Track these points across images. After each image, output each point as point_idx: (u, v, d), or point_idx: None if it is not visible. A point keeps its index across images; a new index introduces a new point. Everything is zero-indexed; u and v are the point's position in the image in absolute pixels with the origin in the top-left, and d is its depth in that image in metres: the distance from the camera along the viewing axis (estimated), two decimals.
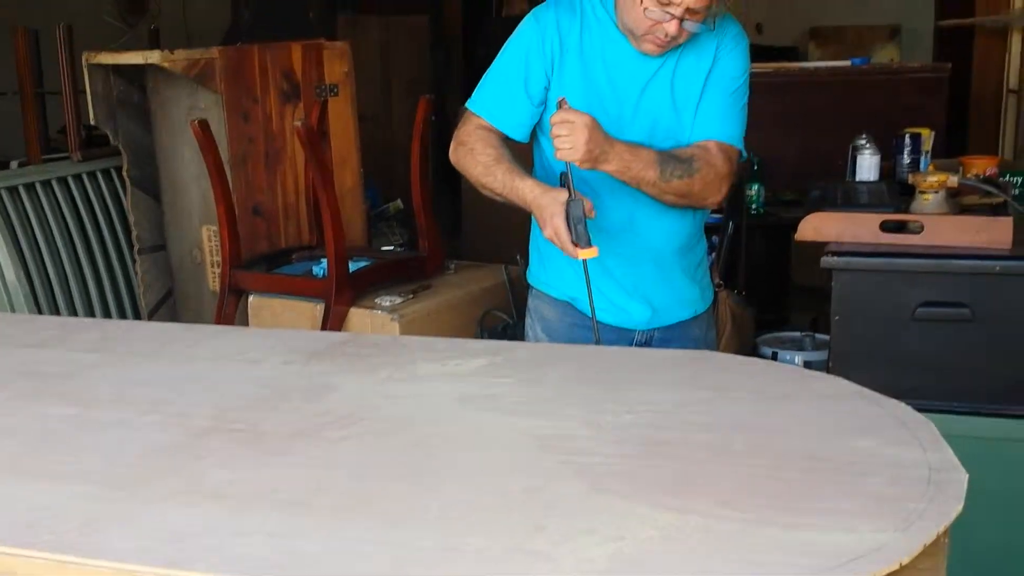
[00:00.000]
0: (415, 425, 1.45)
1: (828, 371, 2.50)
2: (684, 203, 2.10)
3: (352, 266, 2.93)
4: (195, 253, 3.60)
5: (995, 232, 2.28)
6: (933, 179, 2.43)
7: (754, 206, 4.13)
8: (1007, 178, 2.77)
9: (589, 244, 1.88)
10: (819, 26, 11.67)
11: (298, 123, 2.78)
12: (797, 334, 3.96)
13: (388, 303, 2.85)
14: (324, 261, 2.91)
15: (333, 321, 2.76)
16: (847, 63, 4.60)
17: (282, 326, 2.92)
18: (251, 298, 3.02)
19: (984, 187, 2.49)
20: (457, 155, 2.13)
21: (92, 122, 3.57)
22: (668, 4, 1.94)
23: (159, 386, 1.63)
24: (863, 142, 2.89)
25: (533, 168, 2.20)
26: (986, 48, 4.99)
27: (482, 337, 2.95)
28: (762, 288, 4.48)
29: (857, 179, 2.83)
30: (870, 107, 4.15)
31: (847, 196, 2.63)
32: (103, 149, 3.94)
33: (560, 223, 1.91)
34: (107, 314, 3.87)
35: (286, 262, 3.20)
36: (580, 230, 1.89)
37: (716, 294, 2.41)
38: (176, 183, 3.60)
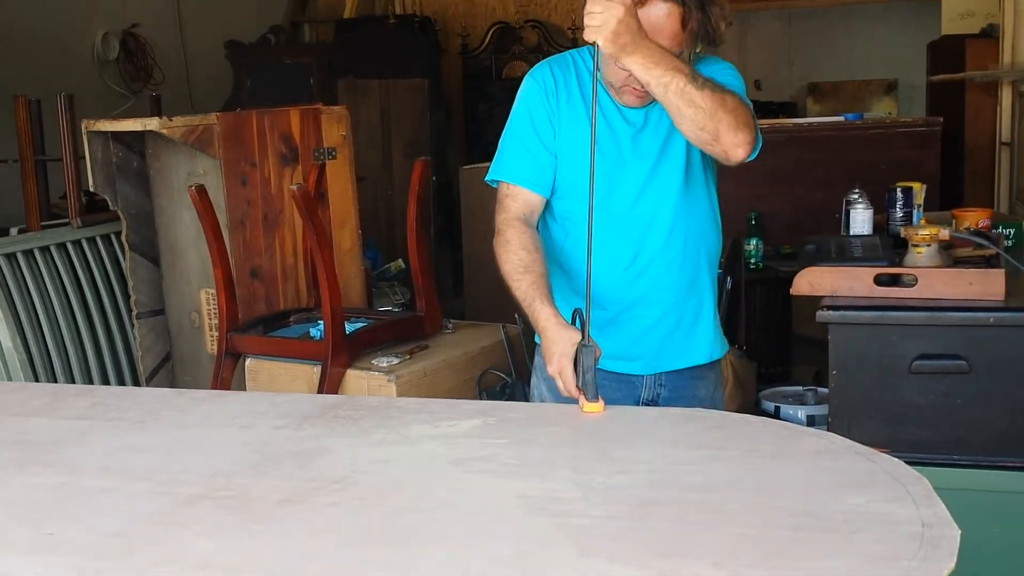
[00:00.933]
0: (406, 488, 1.44)
1: (828, 425, 2.49)
2: (711, 130, 1.91)
3: (349, 327, 2.93)
4: (193, 317, 3.60)
5: (988, 284, 2.28)
6: (925, 232, 2.44)
7: (753, 260, 4.14)
8: (999, 230, 2.77)
9: (596, 397, 1.75)
10: (817, 82, 11.80)
11: (294, 187, 2.80)
12: (799, 388, 3.94)
13: (385, 364, 2.85)
14: (321, 323, 2.92)
15: (329, 383, 2.75)
16: (841, 119, 4.65)
17: (279, 389, 2.92)
18: (248, 361, 3.02)
19: (976, 239, 2.50)
20: (495, 244, 2.08)
21: (92, 188, 3.60)
22: None
23: (149, 453, 1.62)
24: (856, 196, 2.91)
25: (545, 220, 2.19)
26: (977, 102, 5.05)
27: (480, 397, 2.94)
28: (763, 342, 4.48)
29: (851, 233, 2.84)
30: (865, 161, 4.18)
31: (841, 250, 2.63)
32: (103, 215, 3.97)
33: (567, 364, 1.82)
34: (105, 379, 3.87)
35: (284, 324, 3.20)
36: (588, 379, 1.77)
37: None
38: (175, 247, 3.62)
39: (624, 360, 2.16)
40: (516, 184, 2.10)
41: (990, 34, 5.85)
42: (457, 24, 8.07)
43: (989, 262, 2.48)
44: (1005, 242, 2.66)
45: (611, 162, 2.08)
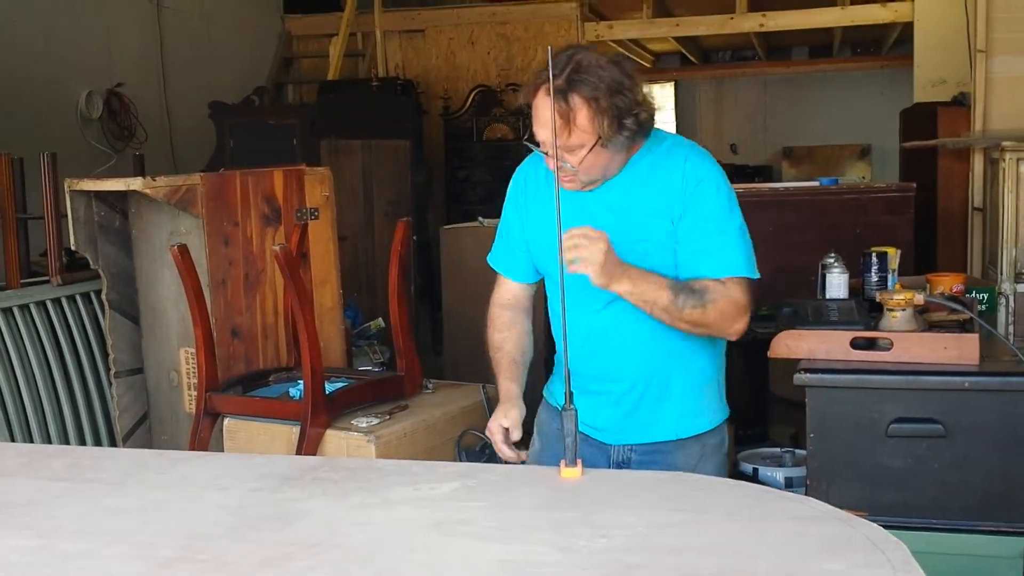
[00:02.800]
0: (385, 552, 1.43)
1: (807, 488, 2.50)
2: (702, 332, 2.13)
3: (329, 387, 2.93)
4: (172, 376, 3.59)
5: (963, 348, 2.31)
6: (900, 297, 2.47)
7: None
8: (973, 295, 2.81)
9: (575, 461, 1.73)
10: (792, 146, 11.99)
11: (276, 247, 2.81)
12: (777, 450, 3.95)
13: (365, 424, 2.84)
14: (301, 383, 2.91)
15: (308, 444, 2.74)
16: (816, 183, 4.71)
17: (257, 449, 2.90)
18: (227, 421, 3.01)
19: (950, 304, 2.53)
20: (487, 318, 2.40)
21: (73, 247, 3.60)
22: (540, 145, 2.08)
23: (126, 515, 1.61)
24: (832, 260, 2.94)
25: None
26: (949, 168, 5.13)
27: (460, 457, 2.93)
28: (741, 403, 4.47)
29: (827, 296, 2.88)
30: (840, 225, 4.24)
31: (818, 313, 2.67)
32: (83, 273, 3.96)
33: (497, 429, 2.27)
34: (81, 438, 3.83)
35: (263, 384, 3.19)
36: (569, 443, 1.75)
37: (726, 420, 2.37)
38: (155, 306, 3.62)
39: (592, 428, 2.24)
40: (502, 272, 2.39)
41: (961, 102, 5.97)
42: (439, 87, 8.17)
43: (963, 327, 2.52)
44: (979, 307, 2.70)
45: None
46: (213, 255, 3.27)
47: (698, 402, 2.25)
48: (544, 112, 2.00)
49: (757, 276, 2.16)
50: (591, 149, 2.04)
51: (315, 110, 6.36)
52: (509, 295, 2.37)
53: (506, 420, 2.24)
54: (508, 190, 2.35)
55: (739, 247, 2.13)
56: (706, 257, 2.10)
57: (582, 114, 1.99)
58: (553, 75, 1.95)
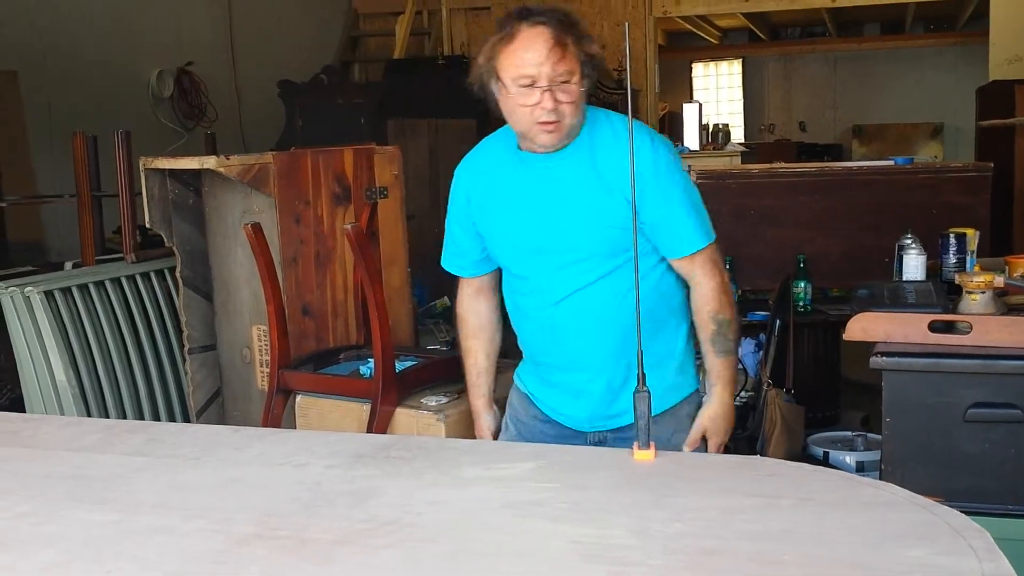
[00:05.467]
0: (459, 532, 1.44)
1: (881, 472, 2.46)
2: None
3: (399, 365, 2.95)
4: (245, 352, 3.64)
5: None
6: (979, 280, 2.42)
7: (801, 303, 4.11)
8: None
9: (648, 444, 1.72)
10: (862, 124, 11.76)
11: (348, 227, 2.83)
12: (848, 434, 3.91)
13: (434, 403, 2.86)
14: (371, 361, 2.94)
15: (379, 422, 2.77)
16: (890, 163, 4.62)
17: (329, 426, 2.93)
18: (299, 398, 3.05)
19: None
20: (456, 320, 2.44)
21: (147, 224, 3.66)
22: (532, 83, 2.02)
23: (204, 491, 1.63)
24: (909, 241, 2.89)
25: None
26: None
27: None
28: (812, 386, 4.43)
29: (904, 278, 2.82)
30: (914, 205, 4.15)
31: (894, 296, 2.62)
32: (157, 250, 4.03)
33: (488, 436, 2.40)
34: (155, 413, 3.91)
35: (334, 362, 3.22)
36: (641, 426, 1.75)
37: (696, 390, 2.38)
38: (228, 283, 3.67)
39: (563, 415, 2.30)
40: (457, 274, 2.39)
41: None
42: None
43: None
44: None
45: (530, 223, 2.18)
46: (285, 233, 3.30)
47: (663, 379, 2.22)
48: (536, 43, 2.00)
49: (714, 237, 2.25)
50: (579, 81, 2.04)
51: (382, 89, 6.38)
52: (472, 290, 2.38)
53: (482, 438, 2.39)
54: (451, 191, 2.33)
55: (701, 213, 2.22)
56: (678, 235, 2.18)
57: (571, 39, 2.02)
58: (512, 12, 2.05)
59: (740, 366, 3.88)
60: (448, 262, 2.39)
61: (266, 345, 3.39)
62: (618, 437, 2.23)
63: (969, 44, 9.74)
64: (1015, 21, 6.69)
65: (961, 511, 1.40)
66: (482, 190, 2.24)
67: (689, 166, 4.69)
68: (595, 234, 2.12)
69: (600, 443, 2.23)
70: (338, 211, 3.42)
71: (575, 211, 2.12)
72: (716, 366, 2.21)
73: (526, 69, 2.01)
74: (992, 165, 4.43)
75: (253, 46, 7.04)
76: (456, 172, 2.33)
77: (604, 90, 7.70)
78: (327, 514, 1.52)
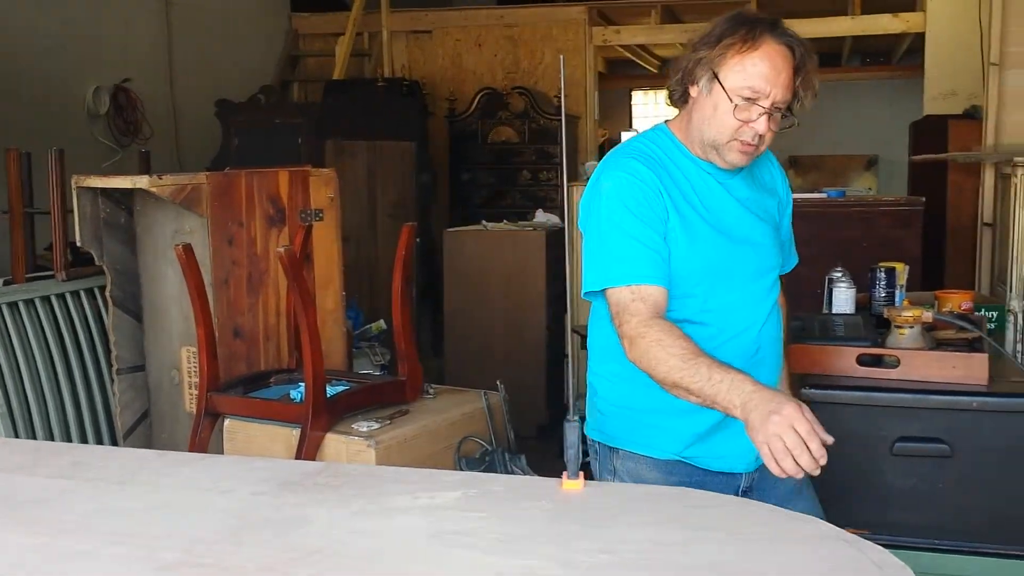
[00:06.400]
0: (386, 562, 1.42)
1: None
2: None
3: (330, 390, 2.92)
4: (173, 374, 3.58)
5: (971, 368, 2.29)
6: (908, 314, 2.46)
7: None
8: (982, 312, 2.80)
9: (577, 475, 1.69)
10: (798, 155, 11.97)
11: (281, 249, 2.80)
12: None
13: (365, 428, 2.83)
14: (302, 385, 2.90)
15: (308, 447, 2.73)
16: (824, 195, 4.69)
17: (257, 451, 2.89)
18: (227, 421, 3.00)
19: (959, 323, 2.52)
20: (638, 350, 1.85)
21: (78, 243, 3.59)
22: (756, 99, 1.87)
23: (128, 516, 1.60)
24: (839, 275, 2.93)
25: None
26: (959, 182, 5.12)
27: (459, 464, 2.92)
28: None
29: (833, 311, 2.86)
30: (847, 238, 4.22)
31: (824, 328, 2.65)
32: (87, 268, 3.95)
33: (810, 416, 1.65)
34: (83, 433, 3.83)
35: (264, 385, 3.18)
36: (571, 455, 1.71)
37: None
38: (158, 304, 3.61)
39: (732, 458, 2.02)
40: (645, 284, 1.89)
41: (972, 115, 5.96)
42: (445, 88, 8.16)
43: (972, 345, 2.50)
44: (988, 325, 2.68)
45: (730, 241, 1.99)
46: (217, 255, 3.26)
47: None
48: (777, 62, 1.86)
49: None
50: (786, 114, 1.93)
51: (320, 110, 6.35)
52: (658, 309, 1.89)
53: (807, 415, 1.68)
54: (627, 190, 1.93)
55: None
56: (788, 248, 2.20)
57: (803, 73, 1.91)
58: (756, 18, 1.90)
59: None
60: (628, 272, 1.91)
61: (195, 367, 3.33)
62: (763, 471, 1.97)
63: (904, 78, 9.98)
64: (949, 57, 6.87)
65: (888, 545, 1.41)
66: (673, 197, 1.95)
67: None
68: (776, 249, 2.08)
69: (748, 490, 2.03)
70: (272, 233, 3.39)
71: (762, 226, 2.04)
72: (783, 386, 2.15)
73: (757, 83, 1.87)
74: (924, 199, 4.53)
75: (191, 64, 6.96)
76: (634, 169, 1.95)
77: (544, 116, 7.76)
78: (252, 542, 1.49)
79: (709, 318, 1.96)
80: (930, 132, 6.15)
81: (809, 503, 2.07)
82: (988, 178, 4.90)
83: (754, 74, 1.87)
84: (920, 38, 7.59)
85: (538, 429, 5.16)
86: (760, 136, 1.91)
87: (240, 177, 3.36)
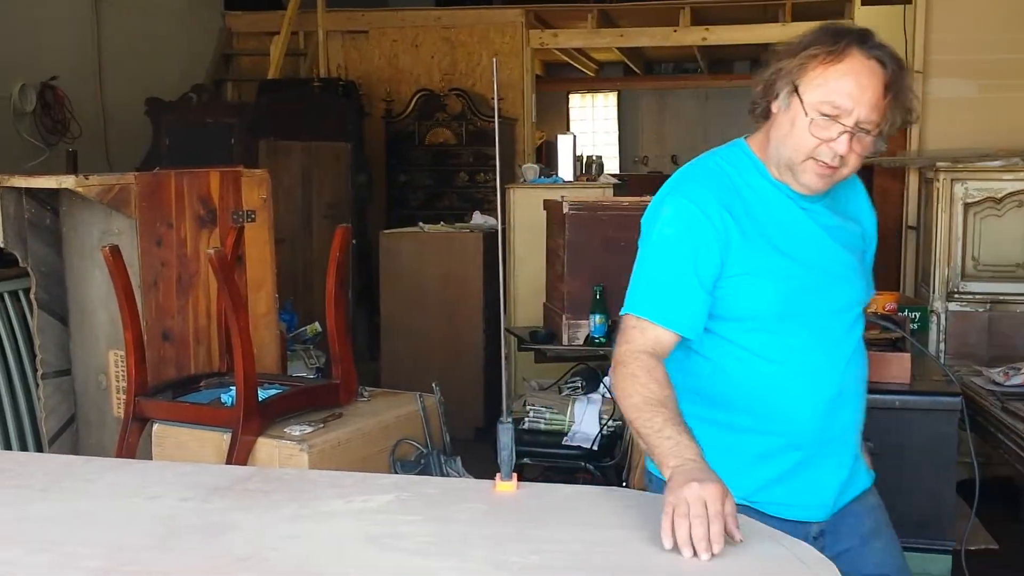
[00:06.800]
0: (317, 567, 1.41)
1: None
2: None
3: (262, 394, 2.88)
4: (100, 378, 3.51)
5: (894, 368, 2.34)
6: None
7: None
8: (906, 313, 2.86)
9: (510, 476, 1.72)
10: None
11: (211, 251, 2.77)
12: None
13: (298, 432, 2.80)
14: (233, 389, 2.87)
15: (239, 452, 2.70)
16: None
17: (187, 456, 2.85)
18: (155, 427, 2.95)
19: (883, 323, 2.57)
20: (615, 377, 1.78)
21: (1, 244, 3.51)
22: (837, 116, 1.72)
23: (51, 524, 1.57)
24: None
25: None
26: (885, 186, 5.23)
27: (394, 467, 2.91)
28: None
29: None
30: None
31: None
32: (11, 270, 3.86)
33: (730, 508, 1.48)
34: (7, 439, 3.73)
35: (194, 389, 3.13)
36: (505, 457, 1.73)
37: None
38: (85, 307, 3.54)
39: (803, 507, 1.86)
40: (656, 323, 1.77)
41: None
42: (382, 89, 8.12)
43: (895, 345, 2.56)
44: (911, 326, 2.74)
45: (809, 272, 1.83)
46: (145, 256, 3.20)
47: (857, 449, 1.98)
48: (863, 78, 1.71)
49: None
50: (877, 137, 1.76)
51: (254, 110, 6.27)
52: (657, 344, 1.78)
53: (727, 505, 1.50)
54: (684, 221, 1.79)
55: None
56: (871, 285, 1.98)
57: (895, 91, 1.74)
58: (845, 29, 1.75)
59: (608, 395, 3.94)
60: (645, 305, 1.79)
61: (123, 371, 3.27)
62: (843, 511, 1.90)
63: None
64: None
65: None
66: (743, 226, 1.79)
67: (563, 196, 4.76)
68: (861, 282, 1.91)
69: (821, 533, 1.87)
70: (202, 234, 3.34)
71: (847, 257, 1.87)
72: None
73: (839, 100, 1.71)
74: None
75: (122, 61, 6.84)
76: (691, 203, 1.80)
77: (481, 117, 7.76)
78: (179, 549, 1.48)
79: (783, 355, 1.81)
80: None
81: (887, 543, 1.95)
82: (912, 182, 5.03)
83: (836, 89, 1.72)
84: None
85: (476, 431, 5.16)
86: (841, 158, 1.74)
87: (170, 177, 3.31)
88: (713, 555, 1.39)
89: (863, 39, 1.74)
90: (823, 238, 1.84)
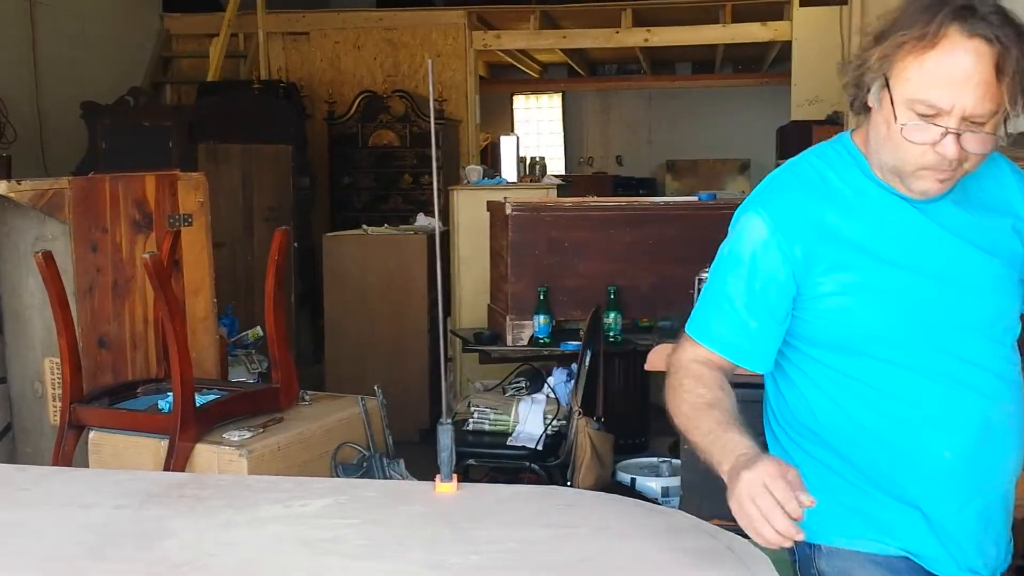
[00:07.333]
0: (252, 572, 1.40)
1: (681, 496, 2.54)
2: None
3: (200, 399, 2.85)
4: (36, 386, 3.46)
5: None
6: None
7: (612, 333, 4.22)
8: None
9: (450, 477, 1.70)
10: (675, 159, 12.24)
11: (146, 255, 2.73)
12: (655, 460, 4.02)
13: (237, 438, 2.77)
14: (171, 395, 2.83)
15: (177, 459, 2.67)
16: (695, 198, 4.81)
17: (124, 464, 2.81)
18: (92, 434, 2.91)
19: None
20: (666, 390, 1.62)
21: None
22: (935, 115, 1.40)
23: None
24: (707, 274, 3.00)
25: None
26: None
27: (336, 471, 2.89)
28: (622, 414, 4.55)
29: None
30: (718, 239, 4.30)
31: None
32: None
33: (792, 477, 1.33)
34: None
35: (131, 396, 3.09)
36: (444, 458, 1.72)
37: None
38: (19, 314, 3.48)
39: (973, 556, 1.58)
40: (711, 348, 1.61)
41: (835, 120, 6.20)
42: (324, 91, 8.08)
43: None
44: None
45: (932, 285, 1.53)
46: (80, 262, 3.16)
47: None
48: (964, 64, 1.37)
49: None
50: (995, 125, 1.43)
51: (193, 112, 6.21)
52: (706, 358, 1.61)
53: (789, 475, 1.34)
54: (750, 238, 1.58)
55: None
56: None
57: (1014, 67, 1.38)
58: (939, 3, 1.40)
59: (552, 395, 3.96)
60: (706, 329, 1.62)
61: (59, 378, 3.22)
62: None
63: (774, 86, 10.31)
64: (814, 65, 7.13)
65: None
66: (839, 239, 1.53)
67: (505, 197, 4.77)
68: (1012, 290, 1.58)
69: None
70: (138, 239, 3.30)
71: (987, 262, 1.54)
72: None
73: (935, 96, 1.39)
74: None
75: (57, 65, 6.73)
76: (763, 219, 1.57)
77: (425, 119, 7.75)
78: (113, 557, 1.46)
79: (901, 388, 1.53)
80: (796, 137, 6.37)
81: None
82: None
83: (930, 81, 1.40)
84: (788, 47, 7.85)
85: (421, 433, 5.14)
86: (955, 161, 1.43)
87: (104, 182, 3.26)
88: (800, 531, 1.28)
89: (965, 14, 1.38)
90: (950, 242, 1.53)
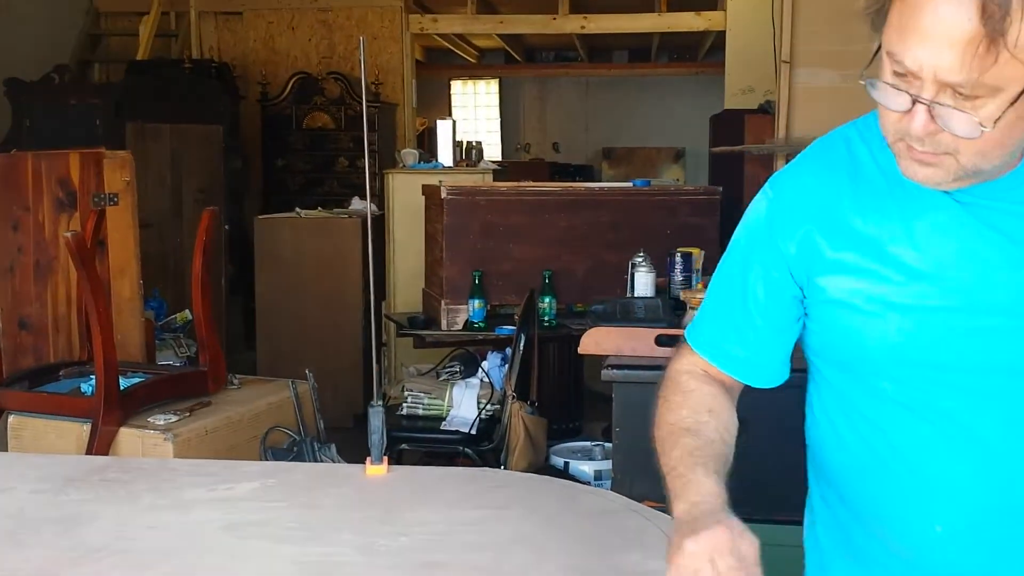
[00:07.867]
0: (177, 557, 1.37)
1: (613, 479, 2.55)
2: None
3: (125, 382, 2.79)
4: None
5: None
6: (701, 296, 2.55)
7: (546, 318, 4.22)
8: None
9: (380, 459, 1.67)
10: (611, 147, 12.31)
11: (68, 234, 2.66)
12: (588, 444, 4.04)
13: (162, 422, 2.72)
14: (94, 378, 2.77)
15: (100, 443, 2.61)
16: (630, 184, 4.83)
17: (45, 448, 2.74)
18: (11, 418, 2.83)
19: None
20: (657, 396, 1.34)
21: None
22: (906, 77, 1.04)
23: None
24: (640, 260, 3.02)
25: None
26: (755, 172, 5.36)
27: (266, 456, 2.85)
28: (556, 398, 4.57)
29: (635, 294, 2.95)
30: (651, 225, 4.35)
31: (625, 311, 2.73)
32: None
33: (747, 549, 1.08)
34: None
35: (53, 379, 3.02)
36: (375, 440, 1.68)
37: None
38: None
39: None
40: (706, 358, 1.33)
41: (767, 110, 6.26)
42: (257, 72, 7.95)
43: None
44: None
45: (957, 308, 1.15)
46: (1, 241, 3.07)
47: None
48: (941, 15, 0.98)
49: None
50: (1014, 101, 1.01)
51: (121, 91, 6.05)
52: (703, 367, 1.34)
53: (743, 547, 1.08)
54: (752, 225, 1.31)
55: None
56: None
57: (990, 27, 0.96)
58: None
59: (486, 379, 3.95)
60: (695, 331, 1.37)
61: None
62: None
63: (709, 75, 10.40)
64: (748, 55, 7.18)
65: None
66: (859, 232, 1.18)
67: (440, 181, 4.75)
68: None
69: None
70: (62, 218, 3.21)
71: (1011, 262, 1.14)
72: None
73: (901, 51, 1.03)
74: (721, 189, 4.73)
75: None
76: (774, 194, 1.29)
77: (360, 102, 7.66)
78: (30, 543, 1.42)
79: (897, 431, 1.20)
80: (729, 125, 6.43)
81: None
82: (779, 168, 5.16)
83: (904, 31, 1.03)
84: (722, 36, 7.91)
85: (354, 418, 5.11)
86: (929, 142, 1.06)
87: (26, 159, 3.17)
88: None
89: None
90: (997, 247, 1.13)
